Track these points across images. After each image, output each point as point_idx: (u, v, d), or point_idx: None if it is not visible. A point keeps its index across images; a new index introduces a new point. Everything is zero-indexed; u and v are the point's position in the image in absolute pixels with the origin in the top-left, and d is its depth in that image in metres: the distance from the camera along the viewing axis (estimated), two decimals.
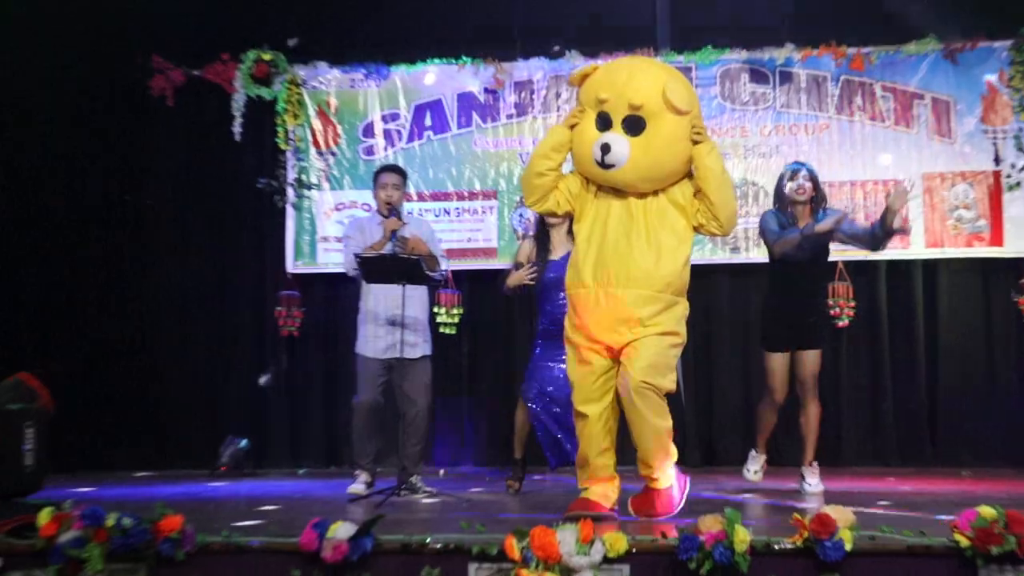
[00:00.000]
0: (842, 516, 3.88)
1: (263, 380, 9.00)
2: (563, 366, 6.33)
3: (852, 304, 8.49)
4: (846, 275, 8.47)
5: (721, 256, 8.69)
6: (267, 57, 9.06)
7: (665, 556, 3.90)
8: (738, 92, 8.83)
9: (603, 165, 4.90)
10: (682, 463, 8.38)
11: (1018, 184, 8.49)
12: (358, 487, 6.44)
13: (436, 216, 8.94)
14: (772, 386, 6.64)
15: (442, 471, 8.27)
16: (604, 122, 4.92)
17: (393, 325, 6.59)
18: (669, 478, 5.01)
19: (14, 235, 8.84)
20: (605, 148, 4.86)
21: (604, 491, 5.05)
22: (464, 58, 9.01)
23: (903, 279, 8.71)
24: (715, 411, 8.85)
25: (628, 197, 5.00)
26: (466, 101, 9.07)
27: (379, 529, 4.02)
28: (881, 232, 6.40)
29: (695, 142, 4.94)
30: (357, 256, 6.40)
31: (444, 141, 9.05)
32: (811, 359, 6.58)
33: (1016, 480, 7.24)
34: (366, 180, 8.45)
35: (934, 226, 8.58)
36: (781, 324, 6.60)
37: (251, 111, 9.07)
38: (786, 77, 8.80)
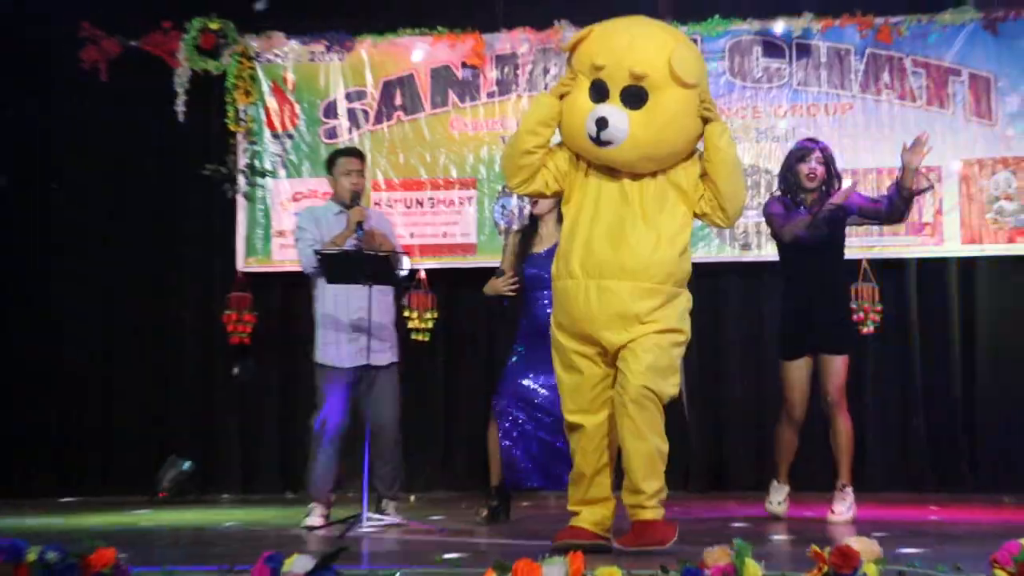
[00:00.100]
0: (867, 548, 3.86)
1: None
2: (546, 379, 6.34)
3: (878, 309, 8.47)
4: (871, 275, 8.48)
5: (730, 254, 8.71)
6: (214, 26, 9.04)
7: None
8: (749, 67, 8.84)
9: (598, 142, 4.83)
10: (686, 488, 8.51)
11: None
12: (314, 520, 6.39)
13: (408, 207, 8.94)
14: (791, 399, 6.61)
15: (413, 497, 8.26)
16: (599, 92, 4.85)
17: (358, 331, 6.57)
18: (661, 511, 4.91)
19: None
20: (601, 123, 4.79)
21: (598, 516, 5.01)
22: (439, 28, 9.01)
23: (936, 280, 8.73)
24: (724, 429, 8.86)
25: (623, 177, 4.95)
26: (441, 77, 9.06)
27: (341, 562, 3.99)
28: (899, 196, 6.33)
29: (704, 119, 4.90)
30: (317, 252, 6.37)
31: (416, 122, 9.05)
32: (837, 367, 6.53)
33: None
34: None
35: (972, 220, 8.59)
36: (800, 326, 6.58)
37: (196, 88, 9.04)
38: (804, 50, 8.81)
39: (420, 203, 8.97)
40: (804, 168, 6.57)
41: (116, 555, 4.03)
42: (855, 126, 8.74)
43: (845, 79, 8.77)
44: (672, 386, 4.88)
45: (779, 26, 8.81)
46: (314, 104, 9.11)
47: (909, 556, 4.36)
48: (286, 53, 9.14)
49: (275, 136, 9.09)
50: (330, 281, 6.49)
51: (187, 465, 8.62)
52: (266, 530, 6.37)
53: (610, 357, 4.91)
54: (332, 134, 9.05)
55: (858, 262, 8.37)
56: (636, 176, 4.94)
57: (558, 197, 5.27)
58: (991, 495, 8.07)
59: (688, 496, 8.28)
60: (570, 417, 4.99)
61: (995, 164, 8.63)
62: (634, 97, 4.80)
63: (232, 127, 9.04)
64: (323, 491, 6.55)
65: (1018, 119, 8.63)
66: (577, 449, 5.00)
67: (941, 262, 8.70)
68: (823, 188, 6.60)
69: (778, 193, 6.73)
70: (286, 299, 8.89)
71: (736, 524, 6.30)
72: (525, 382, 6.48)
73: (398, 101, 9.05)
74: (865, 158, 8.66)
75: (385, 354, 6.66)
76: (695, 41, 8.60)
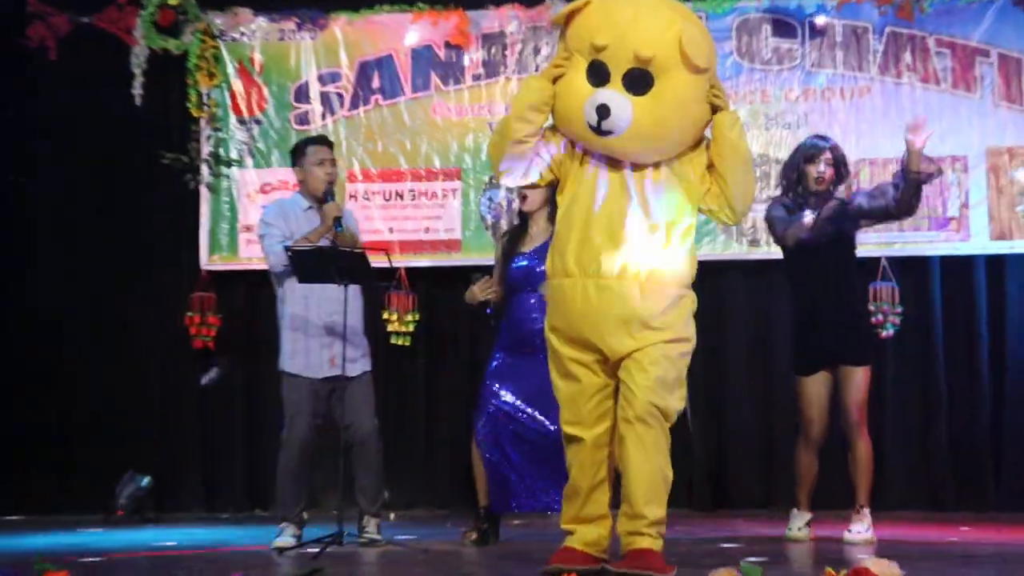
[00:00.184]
0: (885, 571, 3.89)
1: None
2: (525, 394, 6.42)
3: (898, 311, 8.53)
4: (890, 275, 8.54)
5: (737, 251, 8.74)
6: (174, 1, 9.06)
7: None
8: (758, 48, 8.90)
9: (599, 131, 4.74)
10: (689, 505, 8.55)
11: None
12: (284, 541, 6.39)
13: (387, 200, 8.99)
14: (808, 417, 6.64)
15: (392, 515, 8.29)
16: (599, 75, 4.74)
17: (330, 335, 6.59)
18: (660, 542, 4.84)
19: None
20: (603, 111, 4.69)
21: (594, 535, 4.97)
22: (420, 5, 9.05)
23: (961, 279, 8.79)
24: (730, 441, 8.93)
25: (623, 166, 4.87)
26: (423, 58, 9.09)
27: None
28: (906, 184, 6.35)
29: (713, 107, 4.85)
30: (288, 249, 6.35)
31: (396, 107, 9.09)
32: (857, 381, 6.57)
33: None
34: None
35: (1000, 214, 8.65)
36: (814, 337, 6.63)
37: (155, 69, 9.07)
38: (817, 29, 8.84)
39: (400, 195, 9.00)
40: (812, 170, 6.59)
41: None
42: (873, 111, 8.78)
43: (863, 60, 8.82)
44: (679, 400, 4.85)
45: (791, 2, 8.85)
46: (284, 87, 9.14)
47: None
48: (253, 31, 9.17)
49: (241, 122, 9.12)
50: (302, 280, 6.46)
51: (146, 481, 8.62)
52: (233, 551, 6.39)
53: (611, 366, 4.87)
54: (304, 120, 9.08)
55: (877, 260, 8.43)
56: (637, 165, 4.87)
57: (552, 188, 5.22)
58: (1019, 513, 8.13)
59: (691, 514, 8.32)
60: (567, 428, 4.95)
61: None
62: (638, 81, 4.69)
63: (194, 112, 9.07)
64: (294, 509, 6.54)
65: None
66: (574, 462, 4.97)
67: (967, 260, 8.73)
68: (832, 191, 6.64)
69: (782, 194, 6.76)
70: (254, 299, 8.89)
71: (744, 544, 6.33)
72: (506, 397, 6.52)
73: (376, 84, 9.08)
74: (884, 146, 8.65)
75: (358, 363, 6.65)
76: (699, 18, 8.63)
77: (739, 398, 8.92)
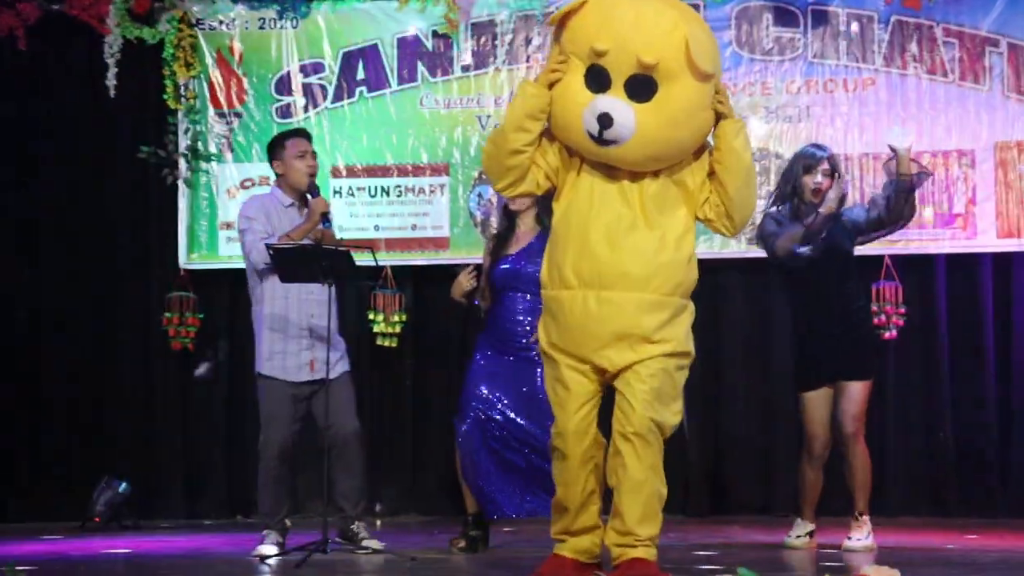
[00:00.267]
0: None
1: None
2: (508, 399, 6.52)
3: (901, 311, 8.58)
4: (894, 273, 8.59)
5: (735, 249, 8.67)
6: None
7: None
8: (759, 38, 8.93)
9: (600, 141, 4.70)
10: (684, 511, 8.63)
11: None
12: (267, 548, 6.44)
13: (372, 196, 9.05)
14: (811, 434, 6.75)
15: (379, 521, 8.37)
16: (599, 81, 4.68)
17: (310, 338, 6.66)
18: (653, 550, 4.89)
19: None
20: (605, 120, 4.64)
21: (585, 544, 5.02)
22: None
23: (967, 278, 8.84)
24: (726, 445, 9.01)
25: (622, 174, 4.84)
26: (410, 48, 9.11)
27: None
28: (895, 190, 6.48)
29: (718, 114, 4.83)
30: (271, 248, 6.37)
31: (382, 99, 9.11)
32: (855, 393, 6.68)
33: None
34: None
35: (1009, 210, 8.68)
36: (814, 351, 6.75)
37: (130, 58, 9.05)
38: (820, 18, 8.89)
39: (386, 191, 9.06)
40: (810, 182, 6.69)
41: None
42: (878, 104, 8.81)
43: (867, 51, 8.84)
44: (675, 415, 4.87)
45: None
46: (264, 78, 9.15)
47: None
48: (232, 19, 9.18)
49: (220, 114, 9.13)
50: (284, 280, 6.49)
51: (123, 487, 8.62)
52: (214, 559, 6.48)
53: (608, 377, 4.88)
54: (286, 113, 9.10)
55: (880, 259, 8.49)
56: (636, 174, 4.84)
57: (546, 196, 5.20)
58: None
59: (687, 520, 8.41)
60: (556, 441, 4.95)
61: None
62: (641, 87, 4.64)
63: (171, 104, 9.07)
64: (276, 516, 6.61)
65: None
66: (560, 480, 4.98)
67: (974, 257, 8.78)
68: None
69: (775, 206, 6.86)
70: (234, 299, 8.87)
71: (740, 551, 6.46)
72: (491, 399, 6.59)
73: (360, 75, 9.10)
74: (888, 140, 8.65)
75: (338, 365, 6.70)
76: (696, 7, 8.58)
77: (736, 399, 9.00)
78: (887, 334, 8.55)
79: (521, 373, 6.55)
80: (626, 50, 4.60)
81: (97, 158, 9.23)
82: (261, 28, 9.18)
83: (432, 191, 9.03)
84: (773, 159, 8.71)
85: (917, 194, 6.75)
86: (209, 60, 9.16)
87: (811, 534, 6.82)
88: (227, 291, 9.07)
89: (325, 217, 6.61)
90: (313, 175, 6.75)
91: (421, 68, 9.09)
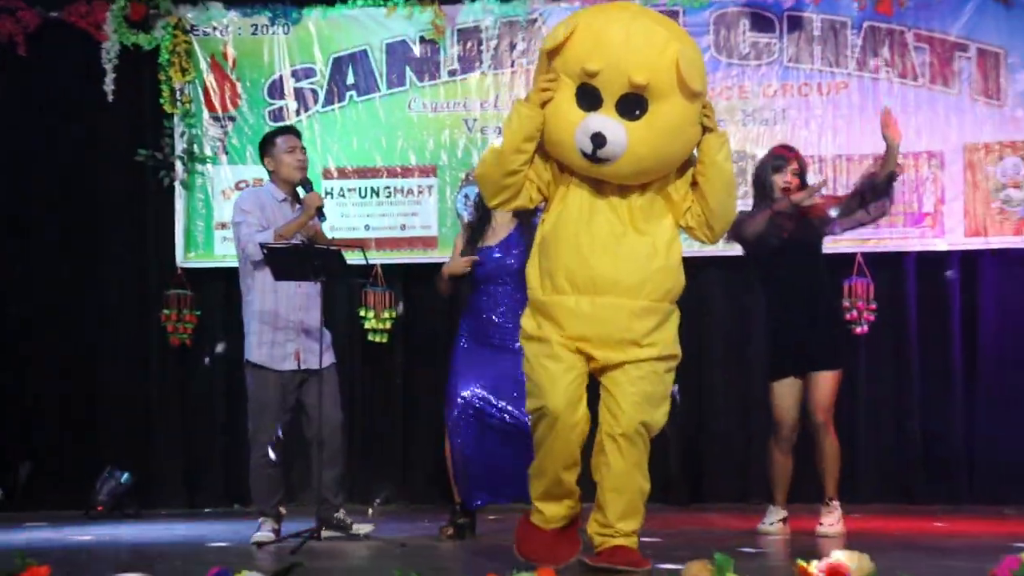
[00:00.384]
0: (858, 563, 3.88)
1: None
2: (493, 388, 6.62)
3: (872, 307, 8.67)
4: (865, 270, 8.68)
5: (714, 247, 8.60)
6: None
7: None
8: (736, 43, 9.01)
9: (594, 159, 4.74)
10: (665, 500, 8.70)
11: None
12: (263, 535, 6.52)
13: (362, 197, 9.13)
14: (780, 419, 6.90)
15: (371, 509, 8.44)
16: (590, 100, 4.72)
17: (299, 331, 6.73)
18: (635, 539, 4.99)
19: None
20: (598, 139, 4.68)
21: (562, 512, 5.08)
22: None
23: (936, 275, 8.90)
24: (706, 436, 9.09)
25: (610, 186, 4.90)
26: (398, 53, 9.18)
27: None
28: (878, 185, 6.69)
29: (704, 128, 4.86)
30: (264, 246, 6.43)
31: (371, 103, 9.19)
32: (825, 383, 6.82)
33: None
34: None
35: (976, 209, 8.76)
36: (785, 342, 6.88)
37: (127, 64, 9.13)
38: (796, 23, 8.97)
39: (376, 192, 9.14)
40: (779, 180, 6.85)
41: (49, 574, 4.04)
42: (850, 107, 8.90)
43: (840, 55, 8.92)
44: (662, 416, 4.94)
45: None
46: (257, 83, 9.22)
47: (902, 569, 4.41)
48: (225, 26, 9.24)
49: (215, 118, 9.20)
50: (277, 278, 6.56)
51: (125, 477, 8.72)
52: (212, 546, 6.56)
53: (595, 367, 4.93)
54: (278, 116, 9.14)
55: (852, 256, 8.60)
56: (624, 186, 4.89)
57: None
58: (990, 505, 8.31)
59: (667, 508, 8.47)
60: (541, 401, 4.87)
61: (1002, 148, 8.78)
62: (632, 106, 4.68)
63: (167, 108, 9.13)
64: (269, 503, 6.69)
65: None
66: (542, 443, 4.93)
67: (942, 255, 8.84)
68: None
69: (751, 203, 7.02)
70: (230, 296, 8.85)
71: (718, 537, 6.55)
72: (475, 387, 6.68)
73: (350, 80, 9.18)
74: (861, 142, 8.78)
75: (325, 355, 6.73)
76: (676, 14, 8.77)
77: (716, 393, 9.07)
78: (858, 329, 8.64)
79: (500, 363, 6.63)
80: (618, 70, 4.63)
81: (96, 160, 9.29)
82: (254, 34, 9.25)
83: (420, 192, 9.11)
84: (750, 160, 8.72)
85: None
86: (203, 65, 9.23)
87: (784, 520, 6.94)
88: (223, 288, 9.11)
89: (320, 211, 6.67)
90: (303, 169, 6.82)
91: (409, 73, 9.16)
